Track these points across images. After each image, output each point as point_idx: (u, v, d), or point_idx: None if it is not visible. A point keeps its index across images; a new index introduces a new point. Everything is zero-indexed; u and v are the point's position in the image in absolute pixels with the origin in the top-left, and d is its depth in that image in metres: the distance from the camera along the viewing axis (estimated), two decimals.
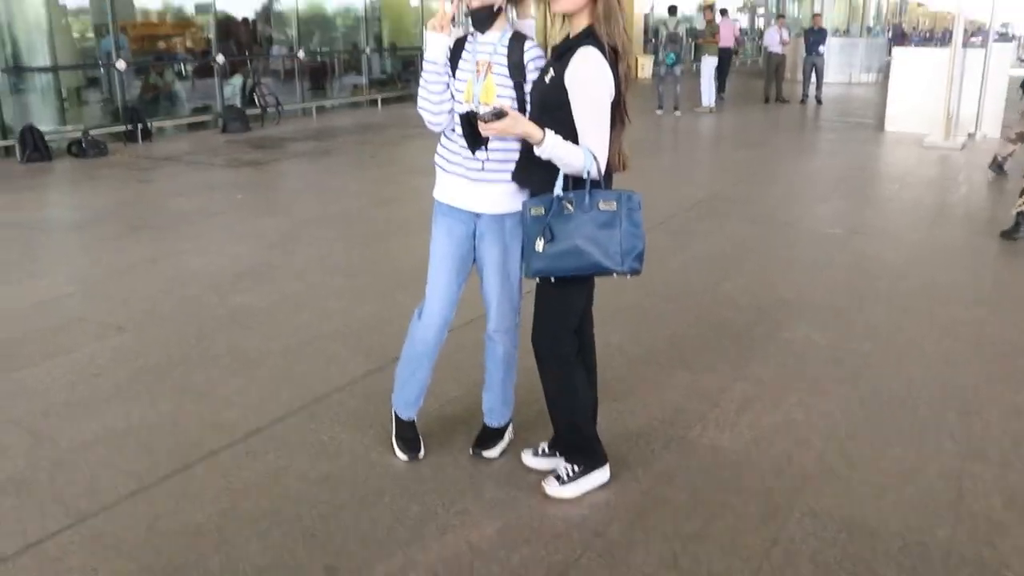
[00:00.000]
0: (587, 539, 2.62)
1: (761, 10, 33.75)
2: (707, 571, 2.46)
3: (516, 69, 2.66)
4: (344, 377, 3.90)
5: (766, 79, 17.73)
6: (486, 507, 2.81)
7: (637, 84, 21.97)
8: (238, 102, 14.07)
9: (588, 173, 2.44)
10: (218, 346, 4.32)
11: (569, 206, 2.46)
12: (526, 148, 2.56)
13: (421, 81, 2.75)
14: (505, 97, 2.65)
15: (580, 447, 2.88)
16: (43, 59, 12.02)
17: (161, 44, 15.47)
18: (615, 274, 2.50)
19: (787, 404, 3.61)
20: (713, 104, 15.76)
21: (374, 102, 16.84)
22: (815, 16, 18.51)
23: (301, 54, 15.48)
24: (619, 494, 2.88)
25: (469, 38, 2.76)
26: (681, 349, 4.28)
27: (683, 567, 2.47)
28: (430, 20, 2.66)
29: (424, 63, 2.72)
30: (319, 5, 17.52)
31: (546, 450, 3.05)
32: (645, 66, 19.81)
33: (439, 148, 2.88)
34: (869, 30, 24.98)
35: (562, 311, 2.69)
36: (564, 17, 2.57)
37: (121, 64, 12.52)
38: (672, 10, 15.99)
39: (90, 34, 15.53)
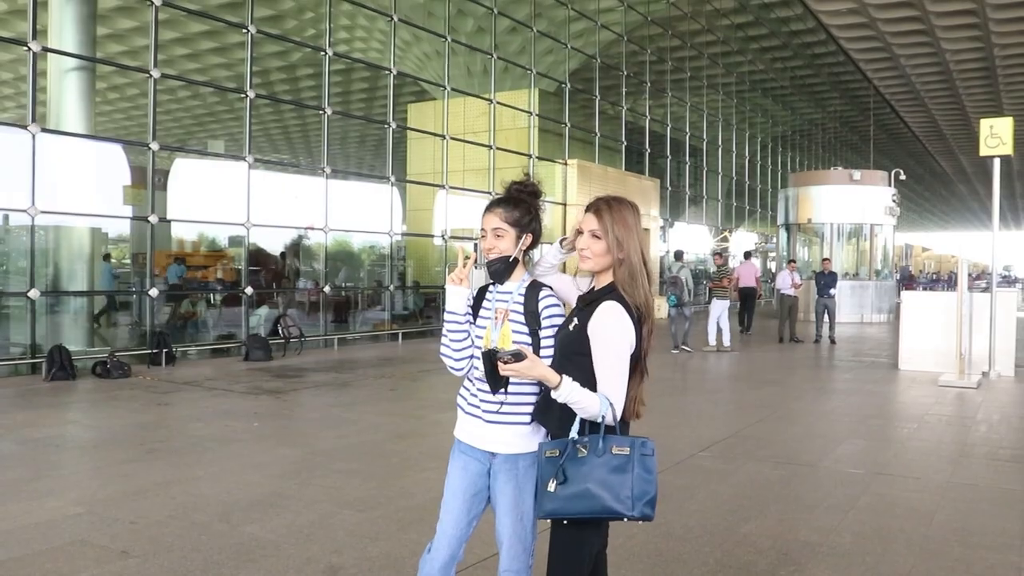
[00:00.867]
0: None
1: (772, 253, 34.98)
2: None
3: (532, 317, 2.80)
4: None
5: (780, 320, 18.10)
6: None
7: (655, 324, 22.37)
8: (263, 331, 14.42)
9: (603, 418, 2.49)
10: None
11: (583, 449, 2.50)
12: (546, 389, 2.62)
13: (444, 329, 2.89)
14: (521, 343, 2.75)
15: None
16: (81, 283, 12.53)
17: (194, 273, 16.16)
18: (626, 519, 2.49)
19: None
20: (715, 344, 15.99)
21: (395, 336, 17.21)
22: (824, 260, 19.14)
23: (327, 289, 16.01)
24: None
25: (491, 286, 2.91)
26: None
27: None
28: (450, 273, 2.82)
29: (445, 314, 2.86)
30: (347, 242, 18.33)
31: None
32: (661, 307, 20.31)
33: (461, 389, 2.99)
34: (878, 273, 25.63)
35: (576, 554, 2.64)
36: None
37: (154, 291, 12.98)
38: (678, 255, 16.77)
39: (126, 260, 16.31)
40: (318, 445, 7.50)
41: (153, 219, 12.95)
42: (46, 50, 12.28)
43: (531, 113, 21.55)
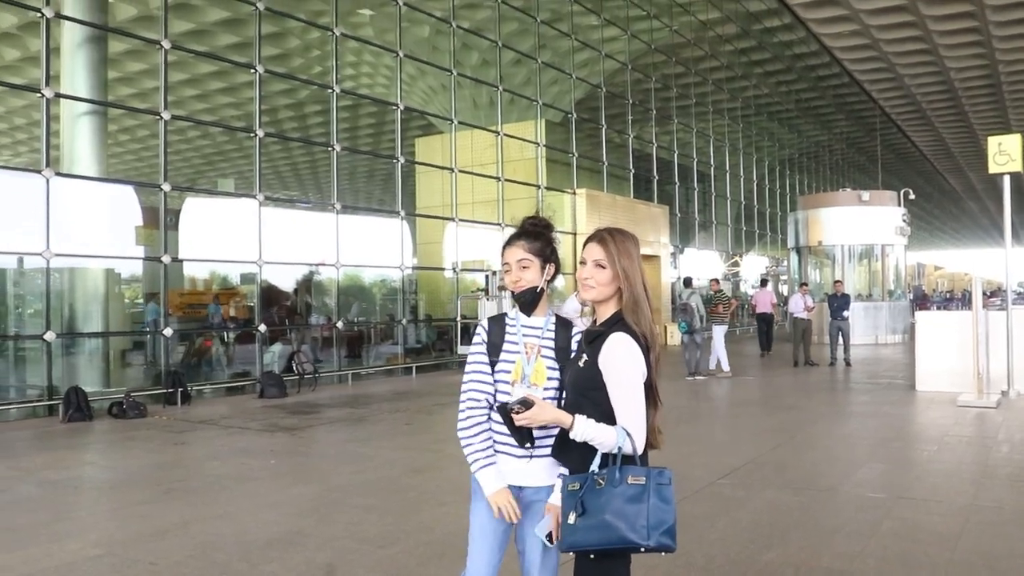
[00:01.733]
0: None
1: (784, 277, 34.91)
2: None
3: (562, 353, 2.87)
4: None
5: (794, 343, 18.02)
6: None
7: (666, 351, 22.34)
8: (277, 368, 14.45)
9: (620, 448, 2.50)
10: None
11: (601, 481, 2.50)
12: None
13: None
14: (554, 379, 2.84)
15: None
16: (96, 325, 12.61)
17: (206, 312, 16.23)
18: (643, 549, 2.48)
19: None
20: (728, 370, 15.94)
21: (409, 370, 17.21)
22: (836, 283, 19.10)
23: (340, 324, 16.04)
24: None
25: (508, 319, 2.93)
26: None
27: None
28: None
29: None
30: (358, 277, 18.39)
31: None
32: (674, 334, 20.30)
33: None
34: (891, 293, 25.55)
35: None
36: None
37: (168, 331, 13.04)
38: (687, 282, 16.81)
39: (139, 300, 16.41)
40: (335, 481, 7.49)
41: (166, 259, 13.04)
42: (59, 96, 12.46)
43: (538, 144, 21.67)
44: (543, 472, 2.83)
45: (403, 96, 17.78)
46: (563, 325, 2.92)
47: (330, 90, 16.31)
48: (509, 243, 2.94)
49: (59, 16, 12.50)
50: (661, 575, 4.68)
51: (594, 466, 2.53)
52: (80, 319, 12.88)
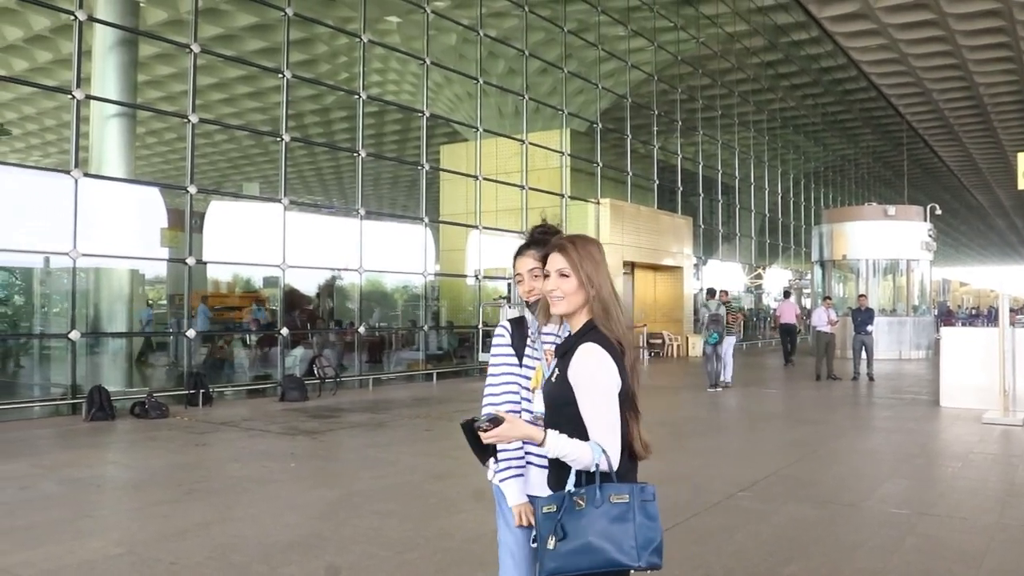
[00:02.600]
0: None
1: (807, 290, 34.70)
2: None
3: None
4: None
5: (816, 357, 17.90)
6: None
7: (689, 362, 22.27)
8: (298, 372, 14.51)
9: (597, 466, 2.37)
10: None
11: (580, 502, 2.37)
12: None
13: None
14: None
15: None
16: (120, 325, 12.73)
17: (230, 314, 16.32)
18: (632, 571, 2.38)
19: None
20: (730, 381, 15.88)
21: (429, 376, 17.23)
22: (860, 297, 18.96)
23: (362, 330, 16.08)
24: None
25: (529, 324, 2.91)
26: None
27: None
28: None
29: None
30: (380, 282, 18.44)
31: None
32: (696, 345, 20.21)
33: None
34: (915, 309, 25.34)
35: None
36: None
37: (191, 332, 13.13)
38: (711, 293, 16.73)
39: (163, 301, 16.52)
40: (355, 486, 7.50)
41: (191, 261, 13.14)
42: (89, 97, 12.59)
43: (563, 153, 21.67)
44: (544, 481, 2.75)
45: (429, 103, 17.84)
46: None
47: (356, 96, 16.39)
48: (519, 253, 2.92)
49: (92, 19, 12.64)
50: None
51: (569, 485, 2.40)
52: (104, 319, 12.99)
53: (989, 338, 12.46)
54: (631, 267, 24.76)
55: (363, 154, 16.37)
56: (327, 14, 17.35)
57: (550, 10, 21.51)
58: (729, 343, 16.14)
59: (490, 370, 2.97)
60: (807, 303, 34.03)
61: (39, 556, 5.28)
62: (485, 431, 2.40)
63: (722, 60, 29.81)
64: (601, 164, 22.94)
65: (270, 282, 18.32)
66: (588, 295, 2.51)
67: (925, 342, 24.53)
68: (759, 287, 34.96)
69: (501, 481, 2.84)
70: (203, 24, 13.89)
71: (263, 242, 14.51)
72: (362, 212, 15.91)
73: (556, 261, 2.55)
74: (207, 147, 25.59)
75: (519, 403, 2.86)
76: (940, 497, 7.26)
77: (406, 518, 6.35)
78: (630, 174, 24.45)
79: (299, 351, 15.11)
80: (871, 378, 17.24)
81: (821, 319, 17.93)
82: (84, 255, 11.77)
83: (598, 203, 22.47)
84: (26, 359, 13.25)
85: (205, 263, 14.18)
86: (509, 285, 17.40)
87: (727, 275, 31.00)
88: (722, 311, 15.51)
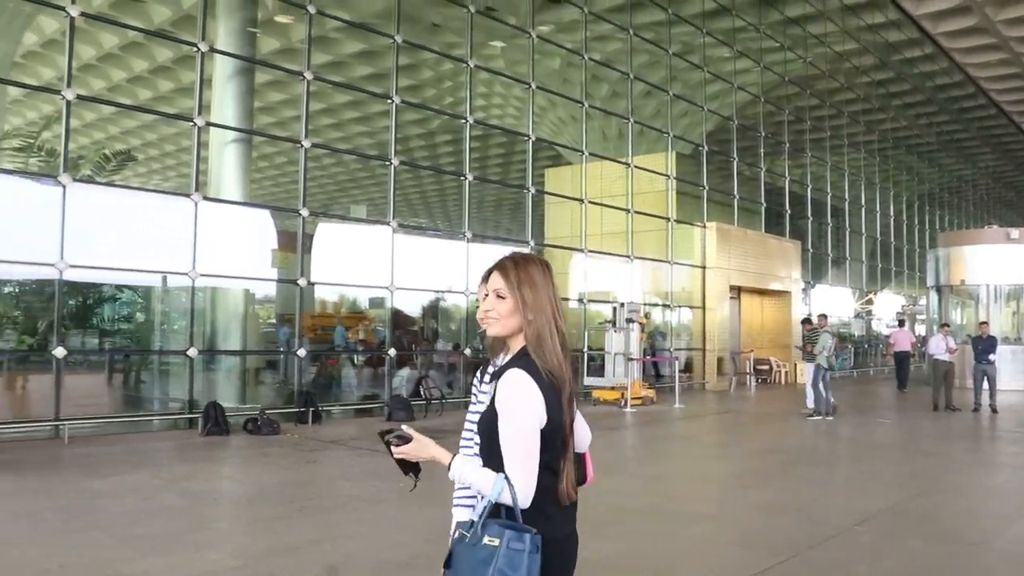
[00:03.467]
0: None
1: (921, 316, 33.43)
2: None
3: None
4: None
5: (934, 387, 17.17)
6: None
7: (797, 389, 21.67)
8: (404, 392, 14.70)
9: (490, 501, 2.21)
10: None
11: (466, 534, 2.23)
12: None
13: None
14: None
15: None
16: (234, 343, 13.17)
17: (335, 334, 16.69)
18: None
19: None
20: (810, 407, 15.39)
21: None
22: (982, 324, 18.13)
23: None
24: None
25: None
26: None
27: None
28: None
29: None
30: None
31: None
32: (804, 372, 19.64)
33: None
34: None
35: None
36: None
37: (302, 351, 13.46)
38: (808, 320, 16.60)
39: (271, 320, 16.97)
40: None
41: (302, 282, 13.49)
42: (209, 124, 13.08)
43: (668, 176, 21.48)
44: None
45: (533, 127, 17.95)
46: None
47: (464, 120, 16.60)
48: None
49: (213, 50, 13.17)
50: None
51: (473, 515, 2.30)
52: (220, 337, 13.45)
53: None
54: (737, 292, 24.30)
55: (470, 178, 16.56)
56: (433, 40, 17.66)
57: (654, 32, 21.43)
58: (808, 370, 15.71)
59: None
60: (920, 330, 32.76)
61: (159, 565, 5.46)
62: (396, 446, 2.39)
63: (830, 80, 29.12)
64: (707, 187, 22.64)
65: (374, 303, 18.64)
66: (523, 319, 2.36)
67: None
68: (870, 312, 33.84)
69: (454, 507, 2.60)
70: (313, 52, 14.28)
71: (370, 263, 14.79)
72: (469, 235, 16.06)
73: (495, 281, 2.42)
74: (316, 170, 26.18)
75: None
76: None
77: None
78: (736, 197, 24.05)
79: (406, 371, 15.32)
80: (994, 410, 16.42)
81: (939, 347, 17.22)
82: (202, 275, 12.22)
83: (704, 227, 22.17)
84: (146, 374, 13.79)
85: (316, 284, 14.54)
86: (614, 309, 17.28)
87: (836, 300, 30.11)
88: (823, 338, 15.17)
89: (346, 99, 21.42)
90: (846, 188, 31.10)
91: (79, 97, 11.86)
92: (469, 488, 2.43)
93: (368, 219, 19.44)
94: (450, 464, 2.35)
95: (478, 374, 2.62)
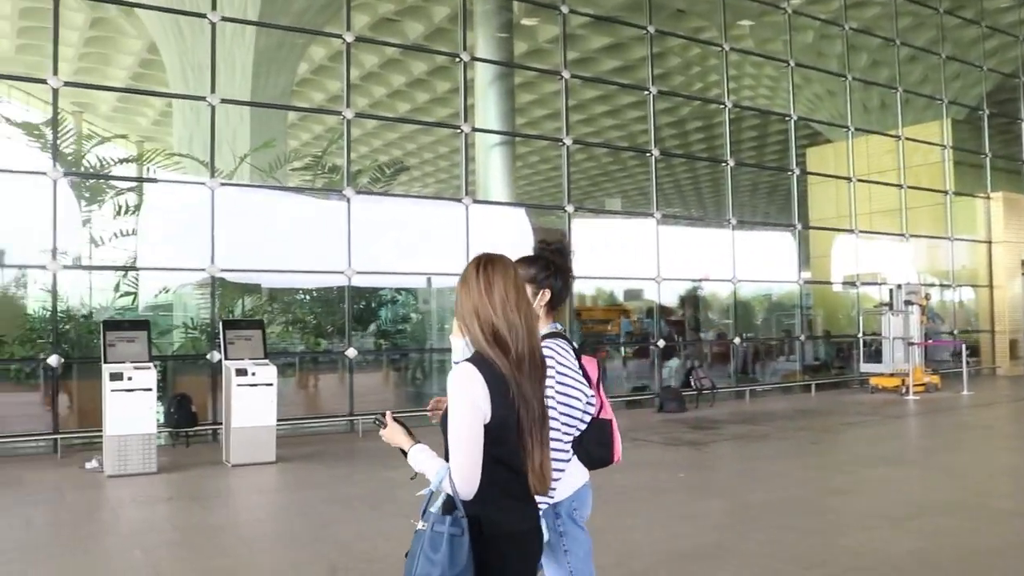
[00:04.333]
0: None
1: None
2: None
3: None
4: None
5: None
6: None
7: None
8: (673, 383, 14.64)
9: (432, 490, 2.32)
10: None
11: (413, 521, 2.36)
12: None
13: None
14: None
15: None
16: None
17: (599, 327, 16.92)
18: None
19: None
20: None
21: (807, 387, 16.57)
22: None
23: (737, 340, 15.86)
24: None
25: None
26: None
27: None
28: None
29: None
30: (749, 292, 18.06)
31: None
32: None
33: None
34: None
35: None
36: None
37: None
38: None
39: None
40: (747, 497, 7.40)
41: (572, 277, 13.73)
42: (475, 130, 13.65)
43: (944, 146, 19.89)
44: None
45: (787, 106, 17.27)
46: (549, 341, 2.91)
47: (721, 105, 16.26)
48: None
49: (475, 59, 13.75)
50: None
51: (433, 507, 2.31)
52: None
53: None
54: None
55: (731, 163, 16.21)
56: (677, 26, 17.38)
57: None
58: None
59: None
60: None
61: None
62: (384, 427, 2.50)
63: None
64: (990, 154, 20.75)
65: (630, 295, 18.71)
66: (458, 318, 2.45)
67: None
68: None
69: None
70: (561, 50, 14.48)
71: (628, 255, 14.86)
72: (733, 222, 15.74)
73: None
74: (549, 168, 26.62)
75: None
76: None
77: (807, 533, 6.14)
78: None
79: (674, 362, 15.25)
80: None
81: None
82: None
83: (988, 198, 20.34)
84: (422, 372, 14.58)
85: (578, 278, 14.75)
86: (891, 291, 16.28)
87: None
88: None
89: (594, 94, 21.63)
90: None
91: (357, 115, 12.77)
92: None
93: (630, 211, 19.51)
94: (408, 451, 2.43)
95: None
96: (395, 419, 2.51)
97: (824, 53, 19.20)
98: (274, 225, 12.44)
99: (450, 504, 2.27)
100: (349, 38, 12.23)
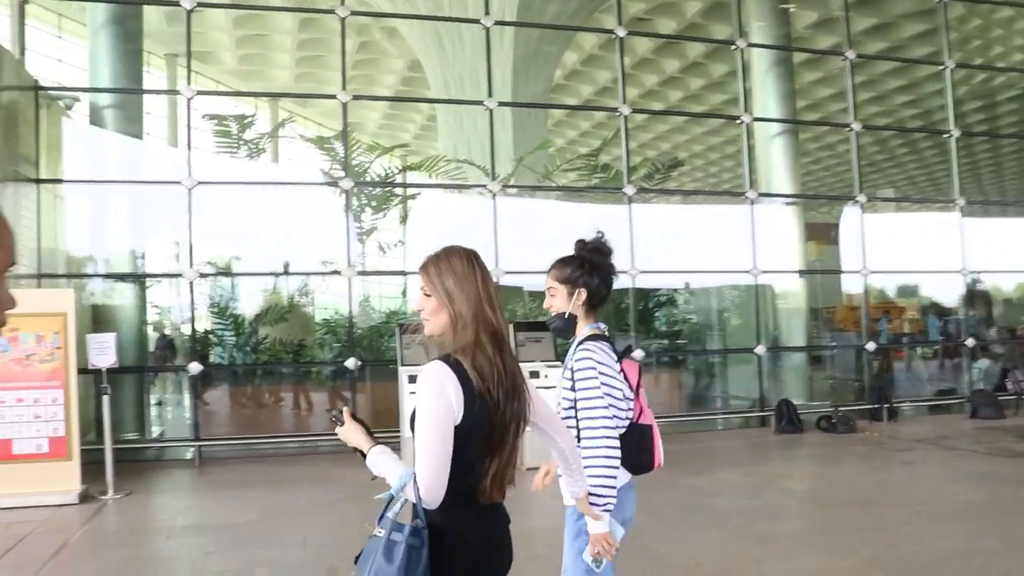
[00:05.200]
0: None
1: None
2: None
3: (571, 372, 2.91)
4: None
5: None
6: None
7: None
8: (984, 385, 13.21)
9: (394, 494, 2.16)
10: None
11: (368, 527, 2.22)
12: None
13: None
14: (568, 400, 2.92)
15: None
16: (799, 339, 13.01)
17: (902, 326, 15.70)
18: None
19: None
20: None
21: None
22: None
23: None
24: None
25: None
26: None
27: None
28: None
29: None
30: None
31: None
32: None
33: None
34: None
35: None
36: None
37: (871, 345, 12.85)
38: None
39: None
40: None
41: (864, 272, 12.75)
42: (756, 120, 12.97)
43: None
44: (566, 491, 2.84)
45: None
46: (579, 344, 2.97)
47: None
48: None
49: (751, 45, 13.09)
50: None
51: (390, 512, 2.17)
52: (784, 333, 13.29)
53: None
54: None
55: None
56: None
57: None
58: None
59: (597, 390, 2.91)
60: None
61: (795, 568, 5.32)
62: (338, 427, 2.35)
63: None
64: None
65: (905, 291, 17.31)
66: (449, 314, 2.29)
67: None
68: None
69: (605, 507, 2.79)
70: (853, 17, 13.37)
71: (924, 247, 13.62)
72: None
73: (421, 280, 2.36)
74: (828, 155, 24.88)
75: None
76: None
77: None
78: None
79: (984, 363, 13.73)
80: None
81: None
82: (763, 272, 12.14)
83: None
84: (707, 374, 14.05)
85: (874, 272, 13.53)
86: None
87: None
88: None
89: (886, 68, 20.08)
90: None
91: (635, 110, 12.53)
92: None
93: (927, 199, 18.00)
94: (367, 452, 2.28)
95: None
96: (353, 416, 2.36)
97: None
98: (549, 226, 12.45)
99: (412, 512, 2.18)
100: (621, 32, 12.02)
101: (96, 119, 10.93)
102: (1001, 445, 9.87)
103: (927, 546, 5.72)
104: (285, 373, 12.58)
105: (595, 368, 2.86)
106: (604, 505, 2.74)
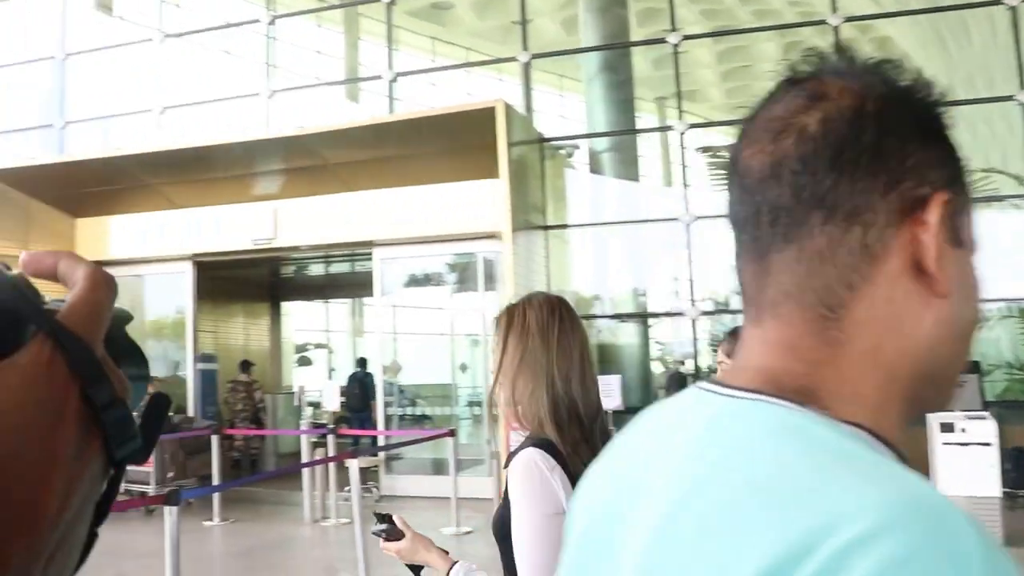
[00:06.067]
0: None
1: None
2: None
3: None
4: None
5: None
6: None
7: None
8: None
9: None
10: None
11: None
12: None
13: None
14: None
15: None
16: None
17: None
18: None
19: None
20: None
21: None
22: None
23: None
24: None
25: None
26: None
27: None
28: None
29: None
30: None
31: None
32: None
33: None
34: None
35: None
36: None
37: None
38: None
39: None
40: None
41: None
42: None
43: None
44: None
45: None
46: None
47: None
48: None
49: None
50: None
51: None
52: None
53: None
54: None
55: None
56: None
57: None
58: None
59: None
60: None
61: None
62: (385, 541, 1.91)
63: None
64: None
65: None
66: (511, 380, 1.80)
67: None
68: None
69: None
70: None
71: None
72: None
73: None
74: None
75: None
76: None
77: None
78: None
79: None
80: None
81: None
82: None
83: None
84: None
85: None
86: None
87: None
88: None
89: None
90: None
91: None
92: None
93: None
94: (448, 574, 1.83)
95: None
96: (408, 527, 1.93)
97: None
98: None
99: None
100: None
101: (595, 166, 11.44)
102: None
103: None
104: None
105: None
106: None
